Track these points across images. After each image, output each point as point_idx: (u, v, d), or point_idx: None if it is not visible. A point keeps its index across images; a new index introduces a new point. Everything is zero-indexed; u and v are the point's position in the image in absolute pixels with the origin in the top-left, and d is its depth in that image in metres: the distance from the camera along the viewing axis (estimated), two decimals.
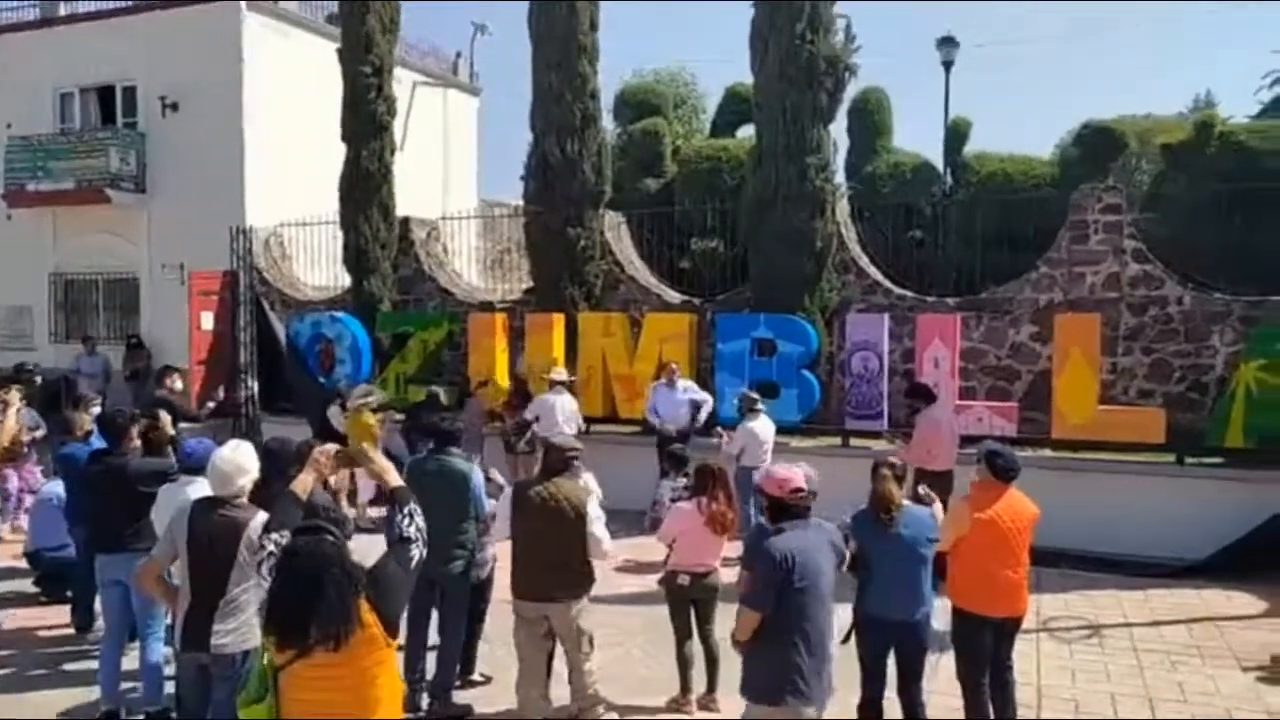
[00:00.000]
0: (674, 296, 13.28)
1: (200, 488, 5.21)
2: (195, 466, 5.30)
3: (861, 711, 5.16)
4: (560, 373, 11.14)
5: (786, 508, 4.29)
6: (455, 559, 5.87)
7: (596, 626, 5.57)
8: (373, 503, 8.78)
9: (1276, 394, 9.28)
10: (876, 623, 5.06)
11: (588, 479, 5.74)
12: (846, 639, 5.03)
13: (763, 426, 9.44)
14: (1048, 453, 10.29)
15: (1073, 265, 11.09)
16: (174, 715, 5.42)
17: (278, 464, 5.08)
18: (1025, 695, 6.19)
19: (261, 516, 4.40)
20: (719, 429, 10.11)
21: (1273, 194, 11.89)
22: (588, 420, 11.89)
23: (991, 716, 5.34)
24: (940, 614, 5.47)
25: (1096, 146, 14.40)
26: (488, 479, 6.22)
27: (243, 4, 16.86)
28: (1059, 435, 10.10)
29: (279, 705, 3.12)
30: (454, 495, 5.85)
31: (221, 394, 13.94)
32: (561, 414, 10.58)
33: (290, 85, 16.80)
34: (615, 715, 5.68)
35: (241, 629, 4.52)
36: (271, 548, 3.45)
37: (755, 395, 9.67)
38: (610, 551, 5.40)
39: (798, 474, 4.36)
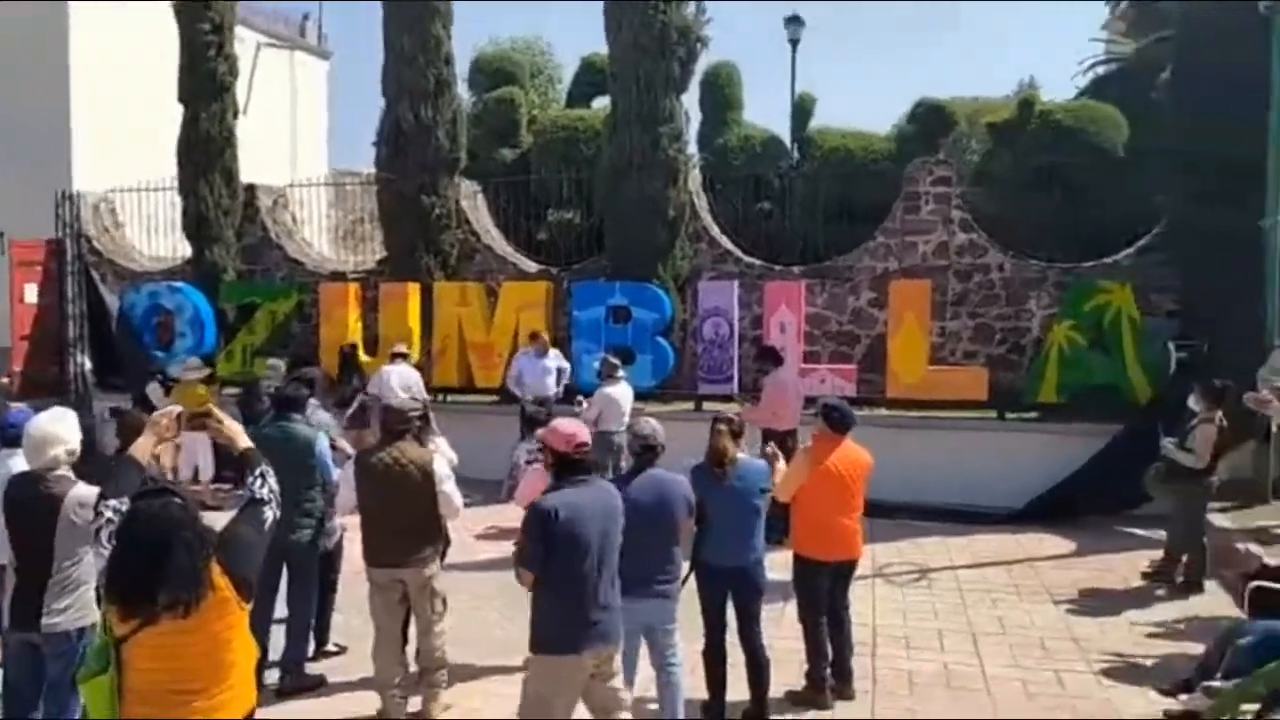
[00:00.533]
0: (530, 266, 13.33)
1: (22, 460, 4.92)
2: (15, 438, 4.91)
3: (705, 656, 5.39)
4: (400, 345, 11.06)
5: (570, 463, 4.25)
6: (302, 527, 5.83)
7: (454, 592, 5.65)
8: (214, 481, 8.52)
9: (1084, 352, 10.17)
10: (712, 569, 5.28)
11: (439, 442, 5.78)
12: (684, 581, 5.26)
13: (621, 391, 9.63)
14: (884, 411, 10.92)
15: (906, 235, 11.76)
16: None
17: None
18: (862, 635, 6.65)
19: (81, 488, 4.29)
20: (579, 397, 10.24)
21: (1087, 168, 12.88)
22: (444, 390, 11.89)
23: (829, 653, 5.72)
24: (777, 564, 5.82)
25: (929, 124, 15.21)
26: (334, 447, 6.16)
27: None
28: (893, 394, 10.76)
29: (122, 678, 2.94)
30: (298, 462, 5.76)
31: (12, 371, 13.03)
32: (399, 383, 10.44)
33: (123, 43, 15.91)
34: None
35: (76, 606, 4.36)
36: (110, 514, 3.33)
37: (616, 360, 9.86)
38: (461, 508, 5.46)
39: (583, 429, 4.38)
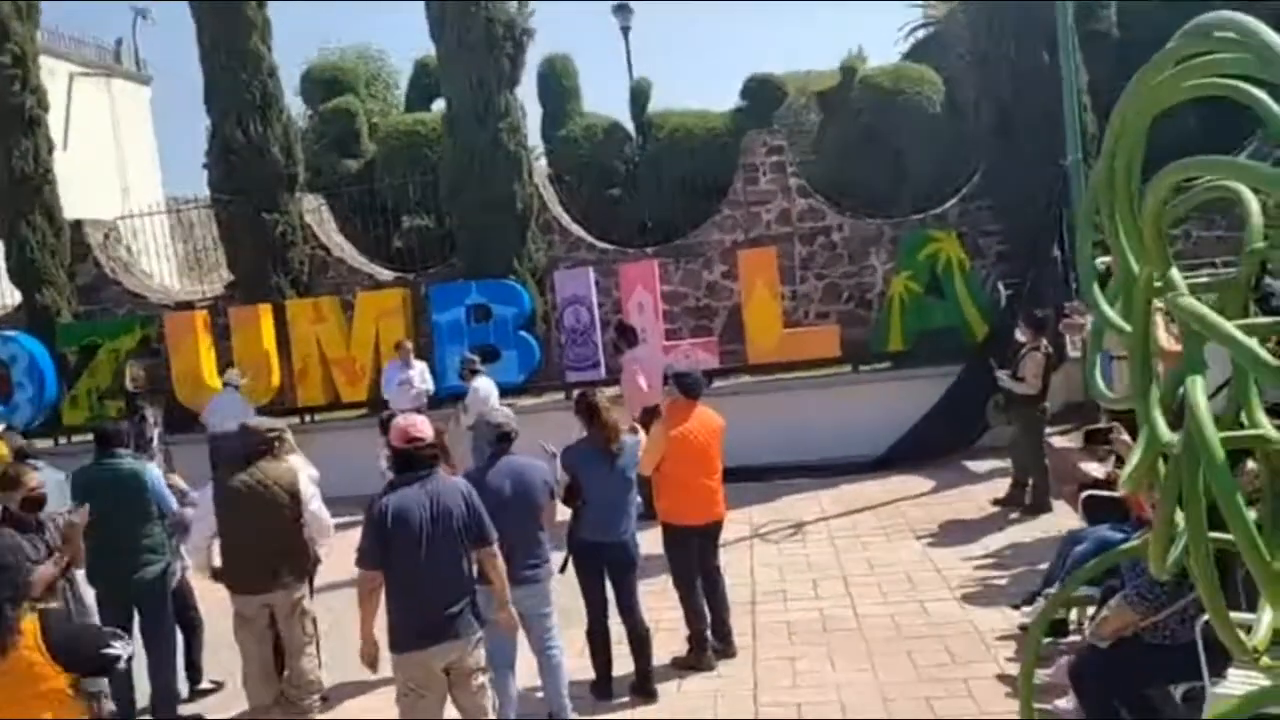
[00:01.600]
0: (386, 274, 13.16)
1: None
2: None
3: (589, 636, 5.52)
4: (232, 375, 10.94)
5: (409, 458, 4.27)
6: (147, 564, 5.59)
7: (334, 610, 5.59)
8: None
9: (923, 300, 10.75)
10: (592, 547, 5.41)
11: (296, 461, 5.71)
12: (564, 568, 5.37)
13: (485, 385, 9.66)
14: (746, 378, 11.28)
15: (749, 206, 12.14)
16: None
17: None
18: (742, 594, 6.92)
19: None
20: (461, 404, 10.14)
21: (908, 128, 13.53)
22: (310, 410, 11.68)
23: (708, 615, 5.93)
24: (647, 538, 6.00)
25: (761, 97, 15.67)
26: (170, 483, 5.93)
27: None
28: (754, 361, 11.12)
29: None
30: (129, 497, 5.58)
31: None
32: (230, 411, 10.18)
33: None
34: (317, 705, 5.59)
35: None
36: None
37: (473, 357, 9.88)
38: (331, 526, 5.38)
39: (419, 422, 4.39)
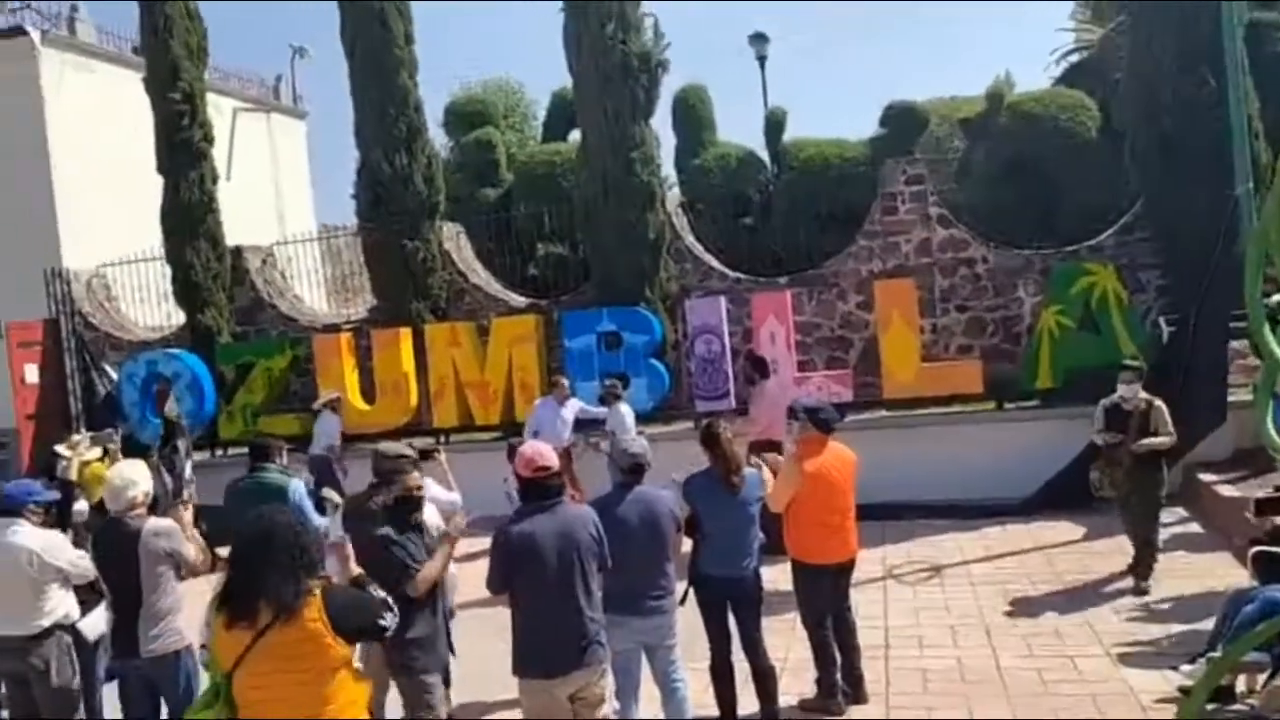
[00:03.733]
0: (520, 301, 13.38)
1: (24, 533, 5.14)
2: (9, 508, 5.20)
3: (712, 671, 5.37)
4: (330, 393, 11.75)
5: (536, 485, 4.30)
6: None
7: (458, 635, 5.59)
8: None
9: (1074, 334, 10.17)
10: (713, 580, 5.28)
11: (427, 482, 5.77)
12: (684, 600, 5.25)
13: (627, 410, 9.68)
14: (883, 413, 10.92)
15: (887, 235, 11.79)
16: None
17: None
18: (875, 637, 6.64)
19: (154, 520, 4.85)
20: (602, 429, 10.18)
21: (1060, 155, 12.94)
22: (444, 431, 11.93)
23: (838, 657, 5.69)
24: (776, 575, 5.82)
25: (902, 125, 15.27)
26: (322, 498, 6.09)
27: (37, 40, 16.03)
28: (889, 395, 10.77)
29: (231, 714, 3.12)
30: None
31: None
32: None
33: (101, 120, 16.06)
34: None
35: (167, 632, 4.81)
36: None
37: (616, 381, 9.94)
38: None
39: (545, 451, 4.40)
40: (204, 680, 4.69)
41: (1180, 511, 9.05)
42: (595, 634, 4.24)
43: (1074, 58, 19.73)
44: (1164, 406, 7.33)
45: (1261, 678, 4.90)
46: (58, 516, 5.94)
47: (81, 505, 6.73)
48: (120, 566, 4.77)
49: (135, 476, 4.95)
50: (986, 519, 9.55)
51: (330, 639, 3.11)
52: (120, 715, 5.26)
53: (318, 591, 3.15)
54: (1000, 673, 6.00)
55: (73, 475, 7.36)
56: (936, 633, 6.81)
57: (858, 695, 5.71)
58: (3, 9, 16.53)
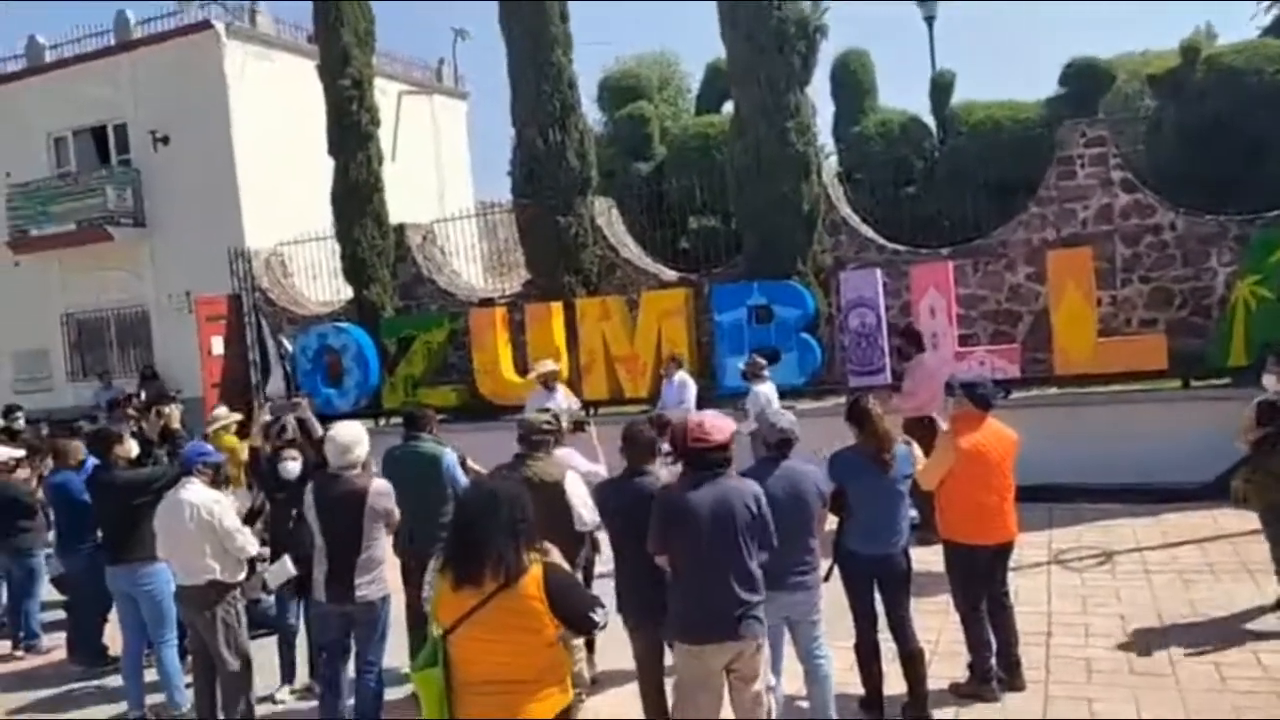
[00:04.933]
0: (670, 275, 13.31)
1: (194, 489, 5.49)
2: (186, 469, 5.61)
3: (857, 650, 5.18)
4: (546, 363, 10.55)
5: (696, 455, 4.27)
6: (443, 539, 5.91)
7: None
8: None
9: (1273, 306, 9.23)
10: (859, 558, 5.10)
11: (564, 453, 5.78)
12: (828, 576, 5.06)
13: (768, 390, 9.42)
14: (1054, 390, 10.26)
15: (1063, 202, 11.03)
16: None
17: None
18: (1036, 623, 6.25)
19: (379, 481, 5.25)
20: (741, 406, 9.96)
21: (1264, 112, 11.76)
22: (594, 403, 11.99)
23: (992, 643, 5.36)
24: (927, 557, 5.52)
25: (1083, 84, 14.27)
26: (465, 466, 6.20)
27: (222, 32, 17.08)
28: (1062, 372, 10.08)
29: (450, 672, 3.24)
30: (427, 478, 5.92)
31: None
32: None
33: (277, 105, 17.00)
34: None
35: (378, 580, 5.22)
36: None
37: (761, 360, 9.69)
38: (590, 521, 5.40)
39: (707, 423, 4.32)
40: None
41: None
42: (750, 607, 4.17)
43: None
44: None
45: None
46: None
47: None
48: (342, 518, 5.11)
49: (359, 436, 5.28)
50: (1166, 504, 8.82)
51: (546, 612, 3.18)
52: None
53: (539, 566, 3.23)
54: (1173, 666, 5.51)
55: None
56: (1104, 622, 6.32)
57: (1013, 682, 5.36)
58: (191, 5, 17.65)
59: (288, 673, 6.47)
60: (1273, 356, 6.40)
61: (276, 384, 14.07)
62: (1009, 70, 46.10)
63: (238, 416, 8.40)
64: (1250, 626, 6.01)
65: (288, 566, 5.84)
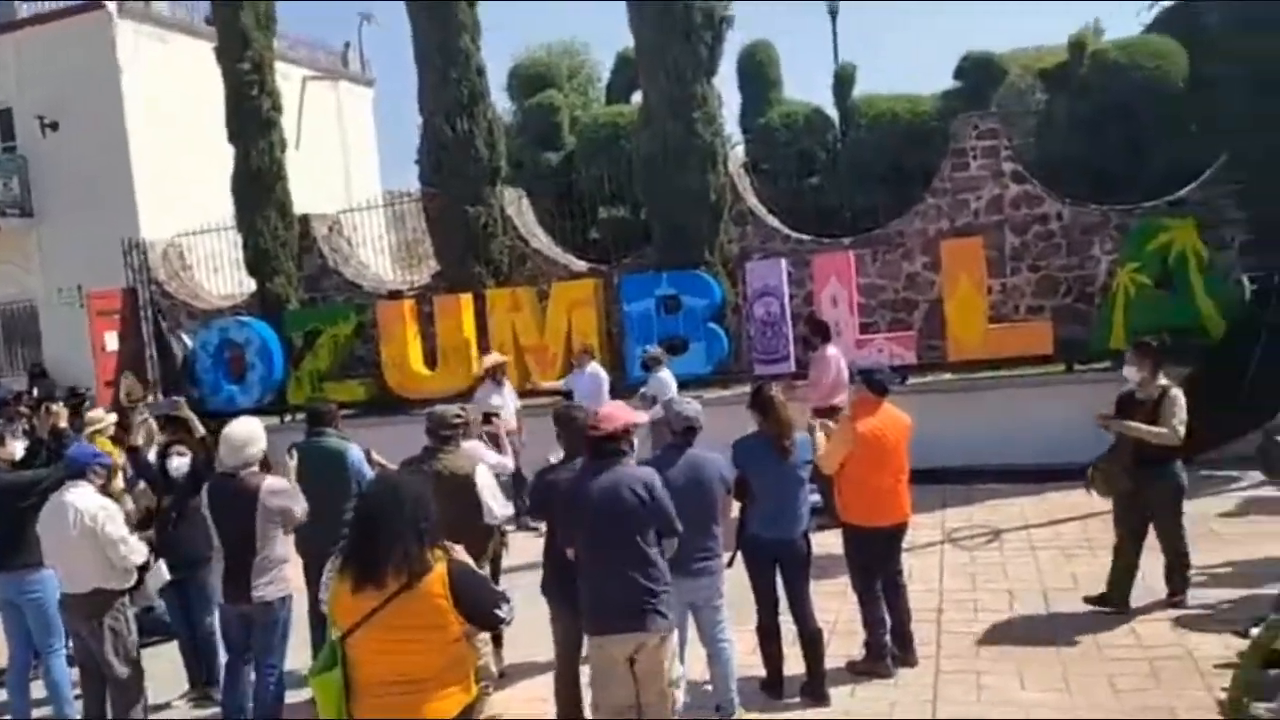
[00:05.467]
0: (580, 265, 13.37)
1: (81, 492, 5.32)
2: (75, 471, 5.42)
3: (759, 633, 5.36)
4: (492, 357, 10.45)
5: (597, 444, 4.34)
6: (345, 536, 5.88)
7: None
8: None
9: (1151, 292, 9.76)
10: (761, 542, 5.26)
11: (469, 446, 5.82)
12: (731, 561, 5.22)
13: (668, 377, 9.56)
14: (947, 376, 10.66)
15: (956, 193, 11.44)
16: None
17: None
18: (928, 600, 6.54)
19: (271, 479, 5.18)
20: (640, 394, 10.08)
21: (1145, 106, 12.37)
22: None
23: (887, 620, 5.60)
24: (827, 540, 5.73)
25: (977, 78, 14.79)
26: (370, 461, 6.13)
27: (114, 12, 16.46)
28: (955, 358, 10.49)
29: (349, 674, 3.17)
30: (331, 475, 5.86)
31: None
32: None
33: (174, 90, 16.49)
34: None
35: (276, 580, 5.19)
36: None
37: (655, 350, 9.83)
38: (502, 515, 5.48)
39: (615, 414, 4.43)
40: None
41: (1256, 475, 8.66)
42: (651, 597, 4.18)
43: (1167, 2, 18.79)
44: (1179, 396, 5.98)
45: None
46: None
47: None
48: (236, 518, 5.08)
49: (254, 434, 5.24)
50: (1051, 483, 9.25)
51: (451, 610, 3.12)
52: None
53: (444, 564, 3.16)
54: (1055, 638, 5.83)
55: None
56: (992, 598, 6.64)
57: (907, 658, 5.62)
58: None
59: (194, 676, 6.35)
60: (1132, 349, 6.35)
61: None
62: (909, 64, 47.32)
63: (113, 418, 8.14)
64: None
65: (162, 572, 5.73)
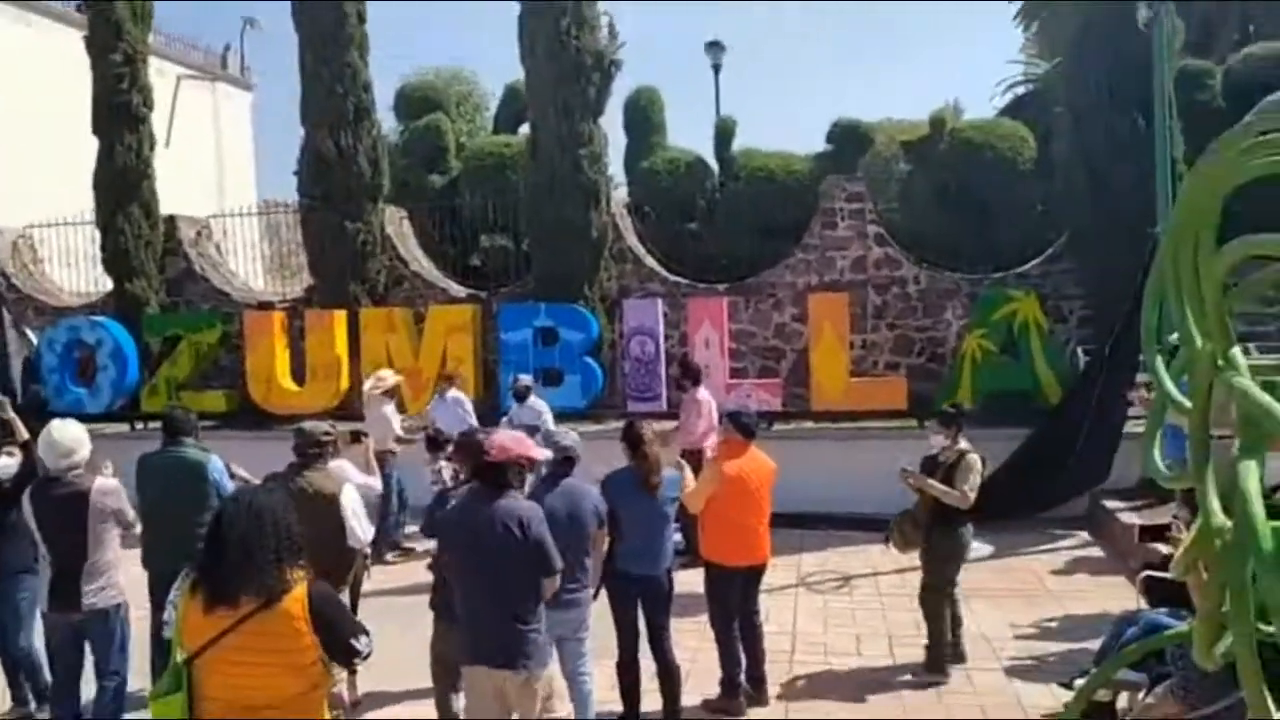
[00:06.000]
0: (459, 291, 13.36)
1: None
2: None
3: (619, 668, 5.46)
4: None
5: (486, 472, 4.30)
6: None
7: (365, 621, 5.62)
8: None
9: (995, 358, 10.50)
10: (627, 578, 5.38)
11: (338, 465, 5.77)
12: (596, 595, 5.33)
13: (540, 404, 9.69)
14: (809, 424, 11.13)
15: (825, 250, 12.04)
16: None
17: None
18: (781, 642, 6.80)
19: (101, 479, 5.05)
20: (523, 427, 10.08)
21: (995, 184, 13.32)
22: None
23: (742, 659, 5.82)
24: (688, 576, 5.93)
25: (846, 144, 15.54)
26: (232, 475, 5.96)
27: None
28: (818, 407, 10.99)
29: (193, 699, 3.00)
30: (190, 485, 5.69)
31: None
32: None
33: (36, 76, 15.65)
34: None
35: (109, 586, 5.01)
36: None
37: (526, 381, 9.94)
38: (364, 539, 5.45)
39: (522, 440, 4.47)
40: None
41: (1084, 536, 9.41)
42: (519, 639, 4.13)
43: (1020, 90, 20.27)
44: (975, 462, 6.25)
45: (1140, 696, 5.13)
46: None
47: None
48: (65, 523, 4.90)
49: (81, 437, 5.07)
50: None
51: (309, 634, 3.00)
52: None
53: (303, 586, 3.04)
54: (897, 683, 6.18)
55: None
56: (842, 641, 6.99)
57: (759, 697, 5.84)
58: None
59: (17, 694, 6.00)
60: (934, 419, 6.74)
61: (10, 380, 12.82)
62: (785, 124, 49.45)
63: None
64: (963, 647, 6.79)
65: None
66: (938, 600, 6.32)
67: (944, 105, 17.06)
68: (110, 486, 5.06)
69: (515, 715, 4.29)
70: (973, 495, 6.17)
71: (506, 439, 4.43)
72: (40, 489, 4.99)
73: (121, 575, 5.16)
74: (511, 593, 4.19)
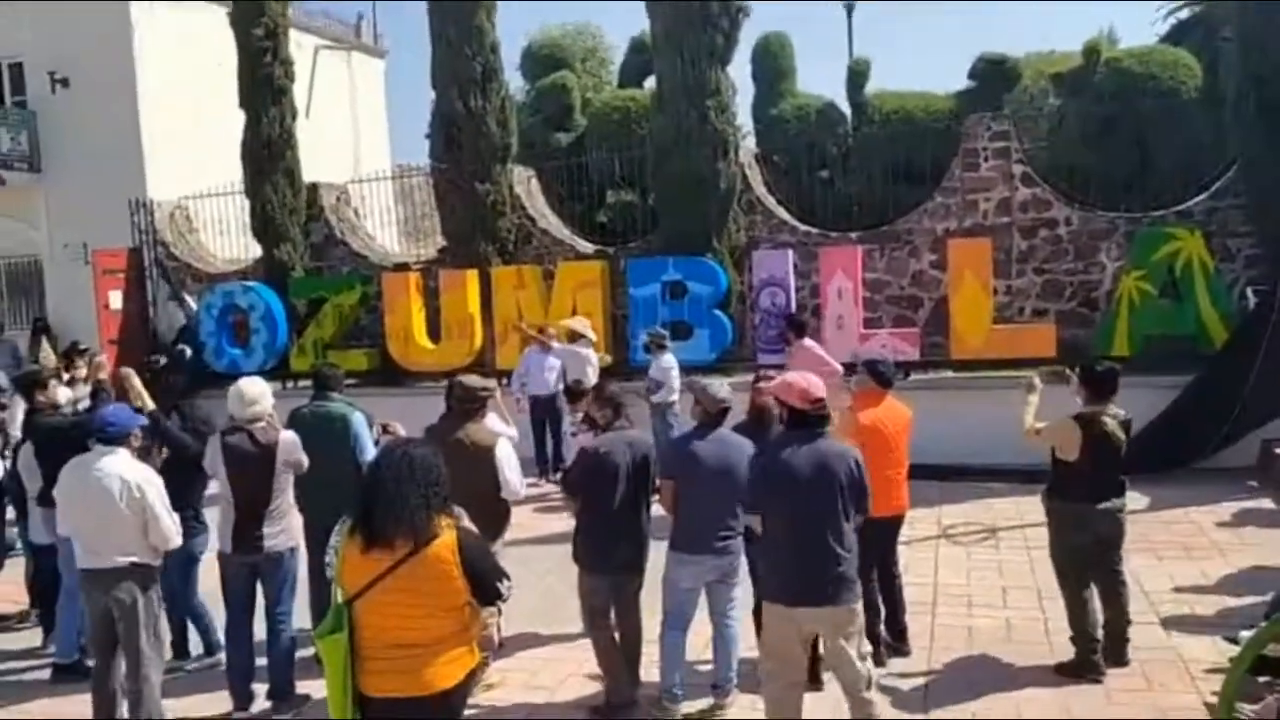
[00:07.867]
0: (587, 247, 13.38)
1: (121, 461, 4.89)
2: (113, 437, 4.92)
3: (756, 616, 5.38)
4: (577, 322, 10.66)
5: (800, 416, 4.30)
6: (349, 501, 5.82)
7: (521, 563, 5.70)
8: None
9: (1155, 302, 9.82)
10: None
11: (496, 421, 5.83)
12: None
13: (671, 361, 9.63)
14: (949, 374, 10.71)
15: (966, 193, 11.47)
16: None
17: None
18: (923, 594, 6.58)
19: (286, 434, 5.38)
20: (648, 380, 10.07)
21: (1157, 115, 12.41)
22: (508, 373, 12.00)
23: (881, 610, 5.65)
24: None
25: (991, 80, 14.78)
26: (386, 430, 5.90)
27: None
28: (958, 356, 10.54)
29: (354, 637, 3.22)
30: (334, 438, 5.80)
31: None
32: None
33: (187, 53, 16.38)
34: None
35: (286, 531, 5.36)
36: None
37: (662, 331, 9.87)
38: (520, 492, 5.48)
39: (817, 383, 4.37)
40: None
41: (1254, 486, 8.77)
42: (845, 570, 4.22)
43: (1183, 14, 18.84)
44: (1065, 423, 5.81)
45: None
46: None
47: None
48: (252, 471, 5.21)
49: (265, 390, 5.44)
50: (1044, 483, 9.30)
51: (459, 578, 3.20)
52: None
53: (452, 532, 3.23)
54: (1048, 635, 5.89)
55: None
56: (987, 593, 6.72)
57: (900, 648, 5.69)
58: None
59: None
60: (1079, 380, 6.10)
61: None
62: (923, 63, 47.25)
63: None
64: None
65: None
66: (1062, 583, 5.59)
67: (1098, 34, 15.99)
68: (291, 438, 5.37)
69: (830, 656, 4.39)
70: (1036, 436, 6.03)
71: (800, 383, 4.34)
72: (231, 436, 5.30)
73: (296, 519, 5.49)
74: (841, 530, 4.25)
